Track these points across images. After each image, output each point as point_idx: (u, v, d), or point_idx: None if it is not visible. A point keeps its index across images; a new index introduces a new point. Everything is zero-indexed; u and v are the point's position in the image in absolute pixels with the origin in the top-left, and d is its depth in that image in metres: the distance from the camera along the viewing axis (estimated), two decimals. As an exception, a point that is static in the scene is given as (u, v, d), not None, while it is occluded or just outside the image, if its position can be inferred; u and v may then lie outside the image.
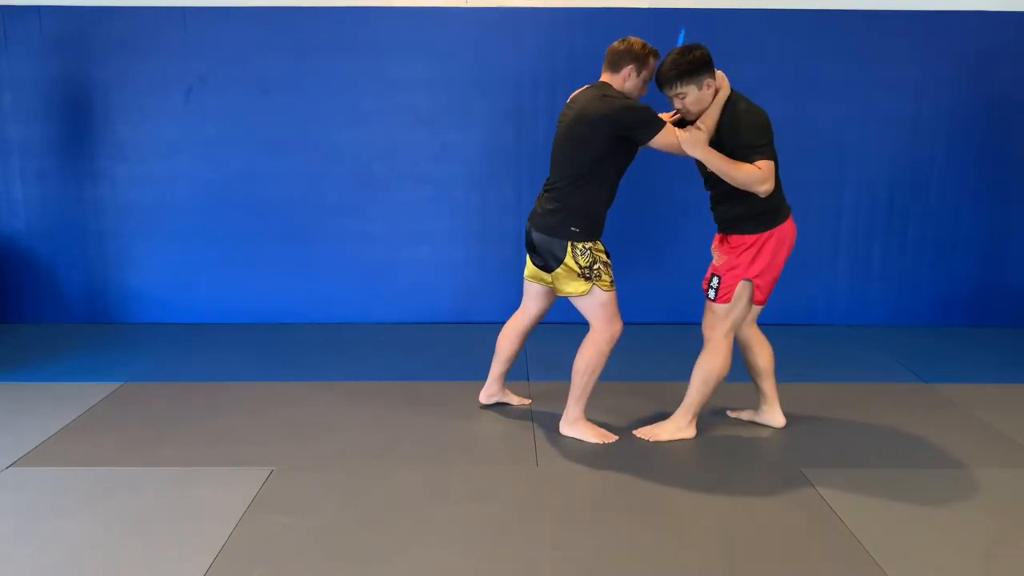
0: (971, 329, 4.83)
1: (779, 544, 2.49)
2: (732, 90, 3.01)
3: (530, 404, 3.57)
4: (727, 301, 3.08)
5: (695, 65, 2.90)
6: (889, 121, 4.68)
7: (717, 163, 2.89)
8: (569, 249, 3.00)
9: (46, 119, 4.63)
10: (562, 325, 4.81)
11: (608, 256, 3.09)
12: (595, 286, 3.02)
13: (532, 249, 3.15)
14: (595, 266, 3.01)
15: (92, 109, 4.62)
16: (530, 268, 3.25)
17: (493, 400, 3.55)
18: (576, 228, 3.00)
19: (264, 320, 4.82)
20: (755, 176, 2.86)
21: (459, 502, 2.72)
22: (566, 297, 3.11)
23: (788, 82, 4.60)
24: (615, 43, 3.03)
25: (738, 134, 2.91)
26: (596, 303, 3.04)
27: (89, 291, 4.82)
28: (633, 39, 3.02)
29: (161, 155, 4.67)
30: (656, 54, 3.03)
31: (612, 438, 3.21)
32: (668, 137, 2.91)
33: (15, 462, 2.99)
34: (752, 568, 2.36)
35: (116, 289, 4.82)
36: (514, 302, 4.83)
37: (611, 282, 3.05)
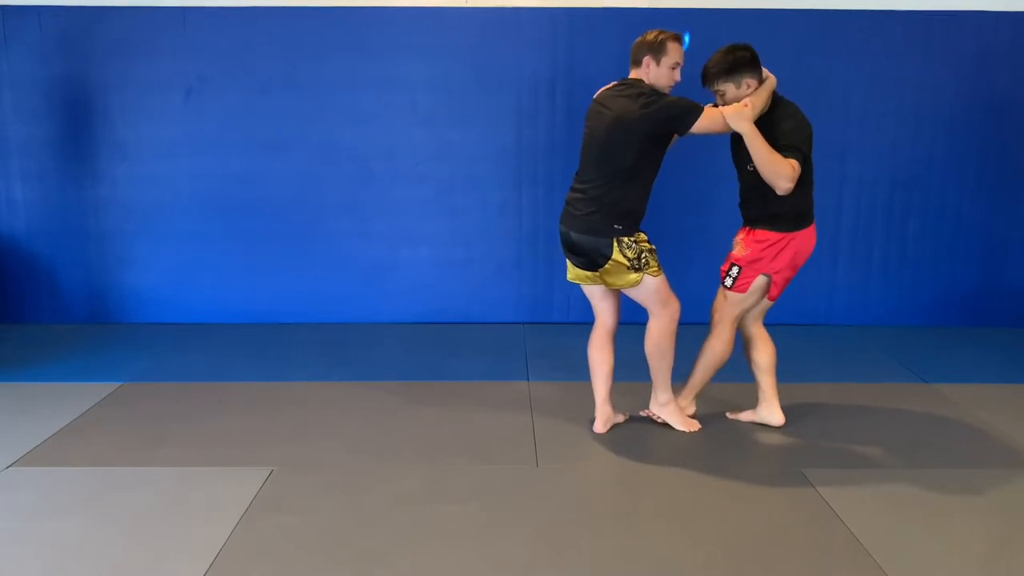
0: (971, 329, 4.83)
1: (779, 544, 2.49)
2: (784, 98, 3.09)
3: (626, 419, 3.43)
4: (743, 291, 3.17)
5: (735, 64, 2.98)
6: (889, 121, 4.68)
7: (756, 143, 2.92)
8: (615, 245, 3.02)
9: (46, 119, 4.63)
10: (562, 325, 4.83)
11: (650, 243, 3.11)
12: (645, 275, 3.05)
13: (573, 251, 3.14)
14: (642, 256, 3.04)
15: (92, 109, 4.62)
16: (572, 272, 3.22)
17: (610, 425, 3.32)
18: (619, 226, 3.02)
19: (264, 320, 4.82)
20: (785, 171, 2.91)
21: (459, 502, 2.72)
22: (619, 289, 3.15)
23: (788, 82, 4.57)
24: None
25: (779, 131, 2.98)
26: (649, 290, 3.09)
27: (89, 291, 4.82)
28: (649, 31, 3.05)
29: (161, 155, 4.67)
30: (675, 37, 3.02)
31: (696, 427, 3.31)
32: (709, 118, 2.94)
33: (15, 462, 2.99)
34: (752, 568, 2.36)
35: (116, 289, 4.82)
36: (514, 302, 4.88)
37: (658, 267, 3.09)
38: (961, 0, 4.57)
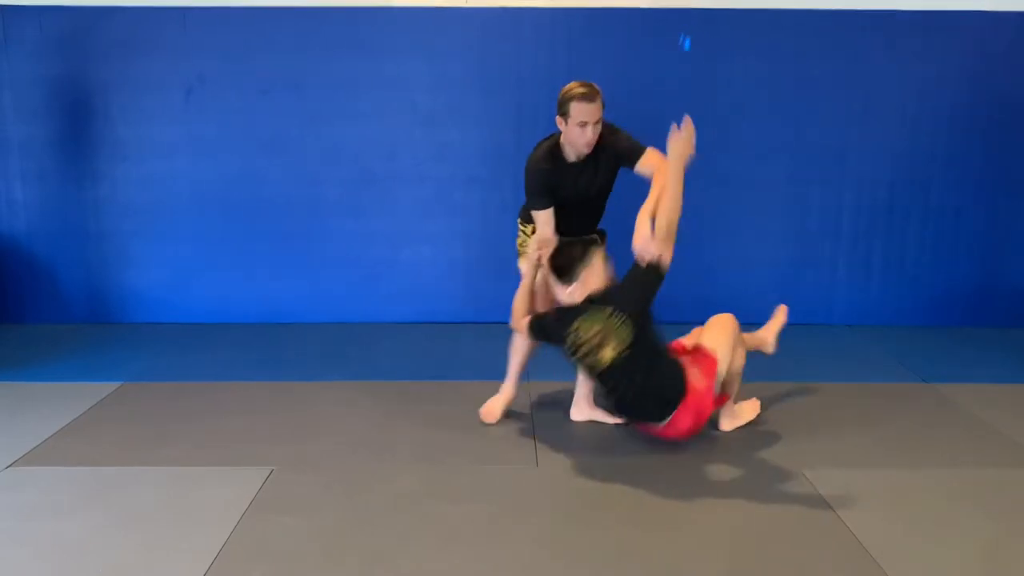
0: (971, 329, 4.83)
1: (779, 544, 2.49)
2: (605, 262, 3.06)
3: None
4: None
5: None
6: (889, 121, 4.68)
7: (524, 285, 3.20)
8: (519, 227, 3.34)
9: (46, 119, 4.63)
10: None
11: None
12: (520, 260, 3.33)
13: None
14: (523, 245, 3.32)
15: (92, 109, 4.62)
16: None
17: (585, 417, 3.39)
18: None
19: (264, 320, 4.82)
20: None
21: (459, 502, 2.72)
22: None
23: (788, 82, 4.60)
24: None
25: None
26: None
27: (89, 291, 4.82)
28: (572, 83, 2.99)
29: (161, 155, 4.67)
30: (583, 96, 2.89)
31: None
32: (538, 228, 3.12)
33: (15, 462, 2.99)
34: (752, 568, 2.36)
35: (116, 289, 4.82)
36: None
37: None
38: (961, 0, 4.57)
